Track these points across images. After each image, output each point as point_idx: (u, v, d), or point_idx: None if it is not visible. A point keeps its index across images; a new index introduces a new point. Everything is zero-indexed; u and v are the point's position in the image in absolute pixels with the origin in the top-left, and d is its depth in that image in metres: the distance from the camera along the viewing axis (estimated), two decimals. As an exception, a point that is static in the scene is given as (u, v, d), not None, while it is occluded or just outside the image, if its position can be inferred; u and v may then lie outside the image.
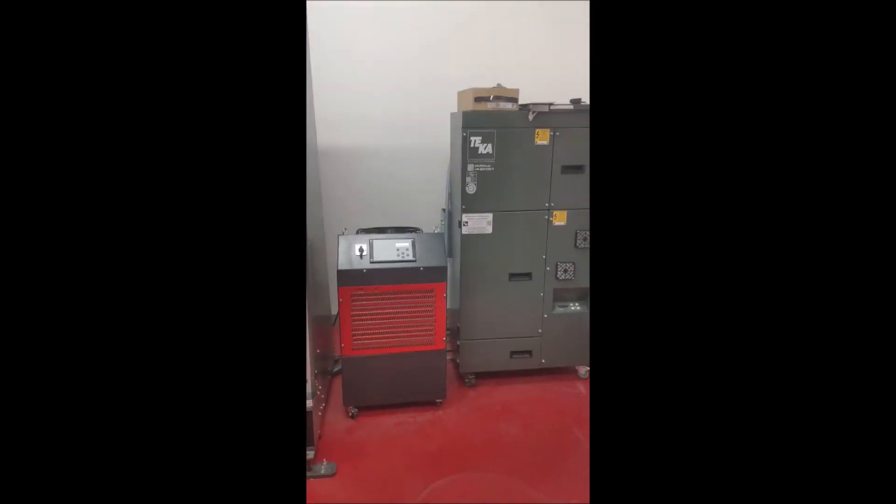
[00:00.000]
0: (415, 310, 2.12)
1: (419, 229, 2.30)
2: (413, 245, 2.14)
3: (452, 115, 2.41)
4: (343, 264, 2.06)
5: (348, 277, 2.06)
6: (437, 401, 2.29)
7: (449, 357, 2.63)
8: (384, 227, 2.32)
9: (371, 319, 2.10)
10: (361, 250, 2.09)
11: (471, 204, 2.22)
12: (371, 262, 2.07)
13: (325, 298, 2.50)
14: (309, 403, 1.85)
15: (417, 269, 2.08)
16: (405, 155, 2.81)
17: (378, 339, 2.13)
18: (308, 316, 1.91)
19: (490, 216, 2.25)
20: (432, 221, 2.86)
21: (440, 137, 2.74)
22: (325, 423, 2.19)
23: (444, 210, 2.70)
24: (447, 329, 2.77)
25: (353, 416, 2.21)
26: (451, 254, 2.54)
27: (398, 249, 2.12)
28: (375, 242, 2.13)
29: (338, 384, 2.37)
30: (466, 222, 2.24)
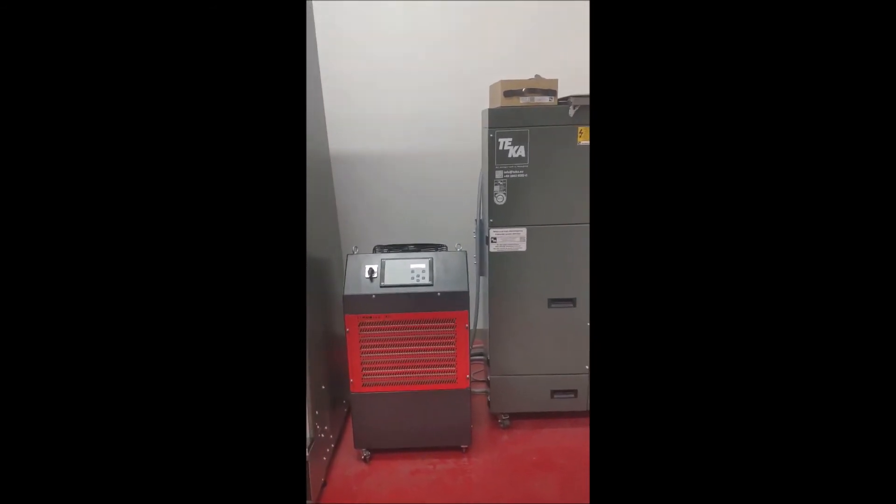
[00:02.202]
0: (432, 342, 1.82)
1: (443, 246, 2.00)
2: (430, 266, 1.83)
3: (482, 112, 2.09)
4: (350, 288, 1.80)
5: (355, 303, 1.79)
6: (462, 446, 1.97)
7: (482, 390, 2.30)
8: (404, 244, 2.03)
9: (382, 352, 1.82)
10: (371, 272, 1.81)
11: (500, 217, 1.89)
12: (381, 287, 1.79)
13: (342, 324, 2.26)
14: (309, 445, 1.60)
15: (434, 294, 1.78)
16: (434, 160, 2.51)
17: (391, 374, 1.84)
18: (309, 345, 1.66)
19: (523, 231, 1.90)
20: (465, 236, 2.55)
21: (475, 139, 2.42)
22: (336, 464, 1.94)
23: (477, 221, 2.37)
24: (481, 356, 2.45)
25: (365, 460, 1.94)
26: (483, 272, 2.21)
27: (413, 271, 1.83)
28: (387, 263, 1.85)
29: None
30: (495, 238, 1.91)
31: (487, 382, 2.12)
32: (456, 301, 1.78)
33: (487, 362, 2.16)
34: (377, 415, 1.89)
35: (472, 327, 1.86)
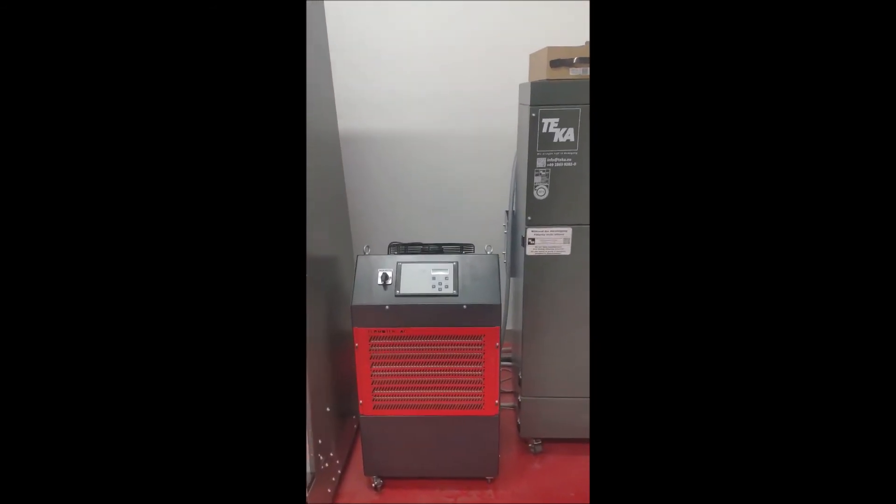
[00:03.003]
0: (456, 362, 1.53)
1: (471, 246, 1.69)
2: (455, 271, 1.53)
3: (521, 87, 1.75)
4: (359, 297, 1.51)
5: (366, 315, 1.51)
6: (488, 478, 1.71)
7: (509, 404, 2.02)
8: (424, 243, 1.73)
9: (396, 371, 1.55)
10: (385, 278, 1.52)
11: (540, 214, 1.57)
12: (396, 295, 1.50)
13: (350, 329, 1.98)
14: (309, 483, 1.35)
15: (459, 307, 1.48)
16: (461, 143, 2.17)
17: (406, 396, 1.57)
18: (310, 359, 1.40)
19: (568, 231, 1.58)
20: (495, 230, 2.23)
21: (509, 118, 2.08)
22: (343, 491, 1.70)
23: (507, 212, 2.05)
24: (509, 361, 2.17)
25: (377, 488, 1.69)
26: (514, 272, 1.91)
27: (434, 278, 1.53)
28: (404, 268, 1.55)
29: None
30: (533, 239, 1.59)
31: (518, 404, 1.83)
32: (485, 315, 1.49)
33: (519, 380, 1.87)
34: (390, 440, 1.63)
35: (501, 335, 1.58)
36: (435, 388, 1.56)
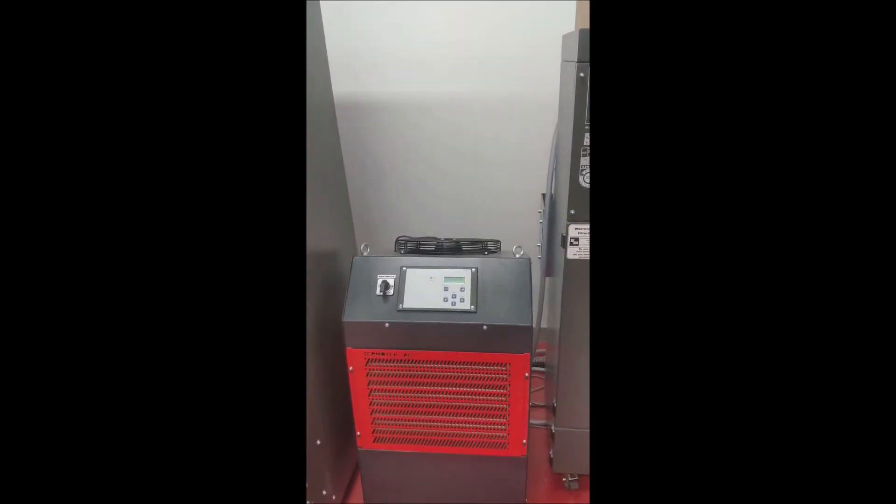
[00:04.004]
0: (475, 393, 1.22)
1: (497, 243, 1.35)
2: (474, 281, 1.20)
3: (565, 38, 1.36)
4: (353, 310, 1.21)
5: (361, 333, 1.21)
6: (512, 524, 1.41)
7: (541, 422, 1.71)
8: (438, 240, 1.40)
9: (400, 398, 1.25)
10: (385, 287, 1.21)
11: (587, 206, 1.20)
12: (399, 310, 1.19)
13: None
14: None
15: (478, 328, 1.16)
16: (485, 111, 1.79)
17: (412, 429, 1.28)
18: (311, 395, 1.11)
19: (622, 230, 1.21)
20: (528, 223, 1.87)
21: (549, 80, 1.68)
22: (342, 528, 1.44)
23: (546, 196, 1.69)
24: (542, 367, 1.85)
25: (380, 528, 1.43)
26: (549, 272, 1.57)
27: (447, 289, 1.20)
28: (409, 273, 1.23)
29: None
30: (577, 239, 1.23)
31: (552, 435, 1.51)
32: (512, 340, 1.16)
33: (553, 408, 1.55)
34: (394, 477, 1.35)
35: (535, 334, 1.27)
36: (448, 421, 1.25)
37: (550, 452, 1.53)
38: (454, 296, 1.19)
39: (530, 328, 1.15)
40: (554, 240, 1.51)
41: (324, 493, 1.35)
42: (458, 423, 1.25)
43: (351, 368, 1.24)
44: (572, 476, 1.54)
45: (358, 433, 1.31)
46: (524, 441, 1.26)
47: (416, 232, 1.89)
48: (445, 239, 1.42)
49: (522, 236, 1.89)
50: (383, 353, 1.21)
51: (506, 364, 1.18)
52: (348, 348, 1.22)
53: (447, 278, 1.21)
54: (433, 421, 1.26)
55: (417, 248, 1.35)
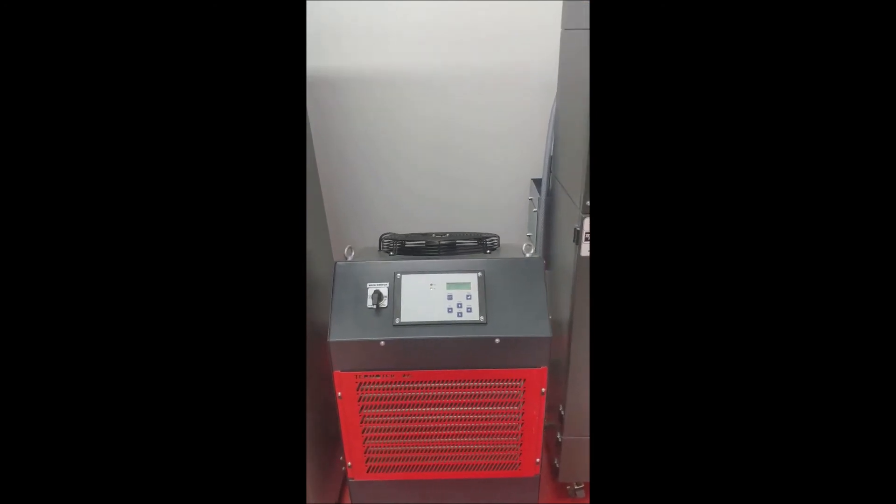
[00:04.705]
0: (484, 413, 1.07)
1: (494, 239, 1.19)
2: (481, 286, 1.04)
3: (567, 4, 1.20)
4: (340, 328, 1.02)
5: (350, 354, 1.03)
6: (521, 545, 1.30)
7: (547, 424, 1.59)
8: (430, 236, 1.22)
9: (397, 421, 1.09)
10: (378, 297, 1.03)
11: (603, 197, 1.06)
12: (396, 325, 1.02)
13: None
14: None
15: (489, 341, 1.00)
16: (475, 86, 1.60)
17: (412, 455, 1.12)
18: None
19: (642, 222, 1.08)
20: (516, 213, 1.73)
21: (546, 50, 1.51)
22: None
23: (536, 181, 1.54)
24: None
25: (374, 561, 1.27)
26: (549, 265, 1.43)
27: (451, 297, 1.04)
28: (406, 281, 1.05)
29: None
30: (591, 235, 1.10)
31: (558, 443, 1.39)
32: (529, 352, 1.01)
33: (560, 416, 1.43)
34: (391, 508, 1.20)
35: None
36: (452, 445, 1.10)
37: (555, 461, 1.42)
38: (460, 305, 1.02)
39: (548, 339, 1.00)
40: (553, 231, 1.38)
41: (311, 532, 1.18)
42: (463, 446, 1.10)
43: (339, 394, 1.06)
44: (578, 484, 1.43)
45: (349, 463, 1.14)
46: (537, 460, 1.13)
47: (393, 225, 1.70)
48: (436, 234, 1.25)
49: (507, 227, 1.74)
50: (378, 375, 1.04)
51: (521, 380, 1.03)
52: (336, 371, 1.04)
53: (450, 284, 1.04)
54: (435, 445, 1.11)
55: (405, 247, 1.17)
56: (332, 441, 1.38)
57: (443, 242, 1.16)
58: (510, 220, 1.75)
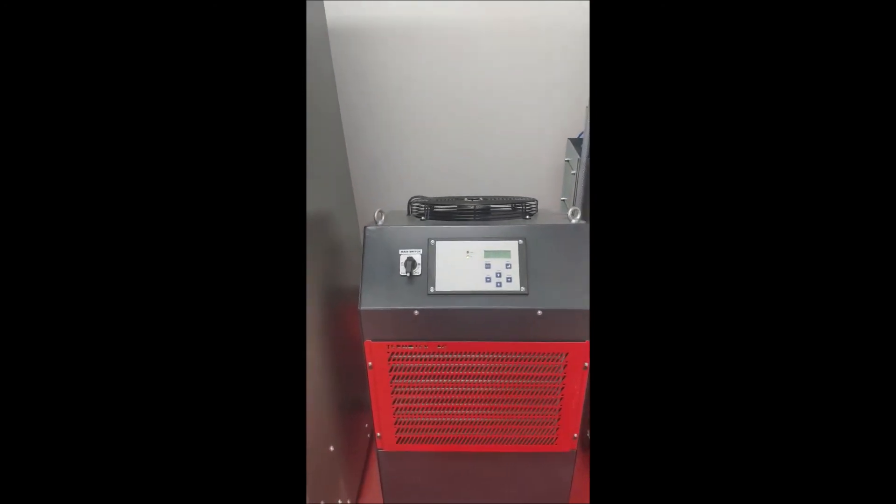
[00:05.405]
0: (522, 387, 1.02)
1: (532, 203, 1.11)
2: (522, 254, 0.97)
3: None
4: (371, 295, 0.96)
5: (382, 324, 0.97)
6: (552, 518, 1.27)
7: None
8: (463, 200, 1.14)
9: (429, 392, 1.04)
10: (411, 264, 0.96)
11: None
12: (430, 294, 0.95)
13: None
14: None
15: (531, 313, 0.94)
16: (508, 37, 1.49)
17: (444, 427, 1.08)
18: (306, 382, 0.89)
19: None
20: (548, 175, 1.63)
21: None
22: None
23: (573, 140, 1.45)
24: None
25: (402, 530, 1.26)
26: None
27: (489, 266, 0.97)
28: (440, 248, 0.99)
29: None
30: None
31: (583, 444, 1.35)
32: (572, 325, 0.95)
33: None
34: (420, 479, 1.17)
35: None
36: (487, 416, 1.06)
37: (587, 434, 1.38)
38: (499, 274, 0.96)
39: (588, 310, 0.94)
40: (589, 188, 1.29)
41: (338, 501, 1.16)
42: (498, 419, 1.06)
43: (370, 364, 1.01)
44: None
45: (378, 434, 1.10)
46: (575, 435, 1.08)
47: (414, 186, 1.62)
48: (469, 198, 1.17)
49: (539, 191, 1.65)
50: (411, 346, 0.98)
51: (563, 353, 0.97)
52: (367, 341, 0.99)
53: (488, 252, 0.97)
54: (468, 418, 1.06)
55: (435, 211, 1.09)
56: (359, 409, 1.35)
57: (477, 207, 1.08)
58: (542, 183, 1.65)
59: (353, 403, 1.30)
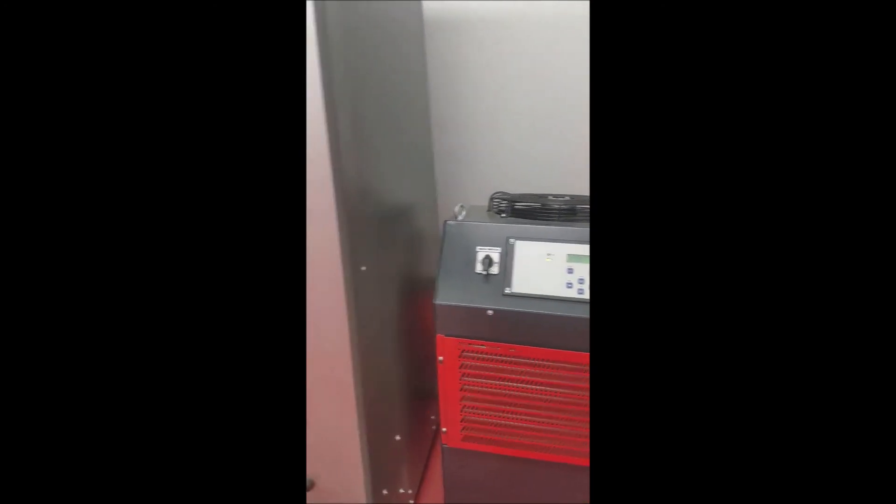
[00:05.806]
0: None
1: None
2: (608, 262, 0.91)
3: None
4: (446, 291, 0.96)
5: (455, 320, 0.96)
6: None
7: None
8: (547, 199, 1.10)
9: (498, 394, 1.02)
10: (488, 263, 0.94)
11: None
12: (506, 294, 0.93)
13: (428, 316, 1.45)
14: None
15: (612, 325, 0.88)
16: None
17: (510, 431, 1.06)
18: (374, 374, 0.91)
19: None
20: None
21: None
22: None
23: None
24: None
25: (460, 527, 1.26)
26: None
27: (571, 271, 0.93)
28: (519, 248, 0.96)
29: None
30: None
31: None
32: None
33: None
34: (481, 479, 1.16)
35: None
36: (554, 426, 1.02)
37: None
38: (581, 280, 0.91)
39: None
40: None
41: (400, 490, 1.18)
42: (564, 430, 1.01)
43: (441, 358, 1.01)
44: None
45: (444, 429, 1.10)
46: (650, 458, 1.01)
47: (504, 183, 1.59)
48: (553, 196, 1.13)
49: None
50: (483, 345, 0.97)
51: (643, 371, 0.91)
52: (439, 335, 0.99)
53: (572, 256, 0.93)
54: (534, 425, 1.03)
55: (515, 208, 1.06)
56: (426, 399, 1.36)
57: (562, 207, 1.04)
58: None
59: (422, 392, 1.32)
